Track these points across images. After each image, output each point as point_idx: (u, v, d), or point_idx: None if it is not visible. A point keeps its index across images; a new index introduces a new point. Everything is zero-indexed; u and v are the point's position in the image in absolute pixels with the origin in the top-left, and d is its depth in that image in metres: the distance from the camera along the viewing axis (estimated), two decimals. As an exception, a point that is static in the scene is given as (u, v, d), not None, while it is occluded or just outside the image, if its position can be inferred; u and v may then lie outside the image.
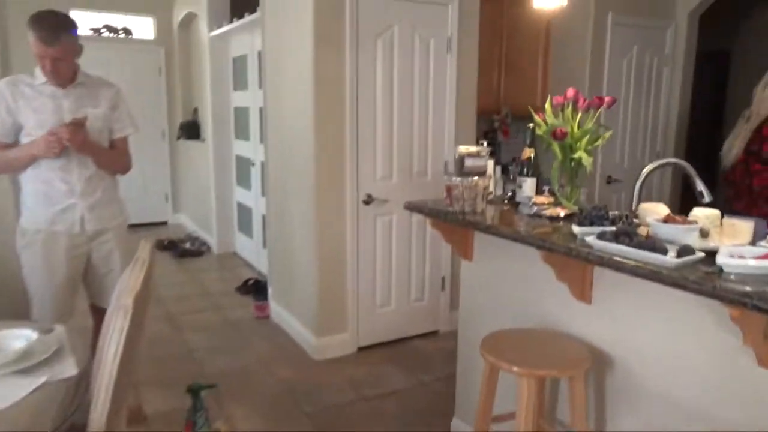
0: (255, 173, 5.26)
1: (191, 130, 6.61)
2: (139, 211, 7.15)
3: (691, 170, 2.01)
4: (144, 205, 7.20)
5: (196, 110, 6.66)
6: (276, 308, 4.14)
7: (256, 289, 4.76)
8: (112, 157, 2.53)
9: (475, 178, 2.08)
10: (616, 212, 1.81)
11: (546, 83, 4.55)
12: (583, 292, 1.86)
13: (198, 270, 5.49)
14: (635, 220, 1.76)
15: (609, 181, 4.51)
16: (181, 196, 7.39)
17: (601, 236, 1.55)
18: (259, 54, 4.63)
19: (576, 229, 1.69)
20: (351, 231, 3.49)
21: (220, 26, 5.42)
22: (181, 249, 6.03)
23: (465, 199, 2.06)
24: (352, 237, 3.50)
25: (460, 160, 2.09)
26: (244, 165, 5.57)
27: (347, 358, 3.56)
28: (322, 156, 3.36)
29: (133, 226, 6.99)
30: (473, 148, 2.10)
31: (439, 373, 3.37)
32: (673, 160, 2.03)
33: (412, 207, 2.33)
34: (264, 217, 4.79)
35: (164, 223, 7.39)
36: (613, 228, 1.63)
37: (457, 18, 3.61)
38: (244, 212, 5.68)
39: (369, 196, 3.51)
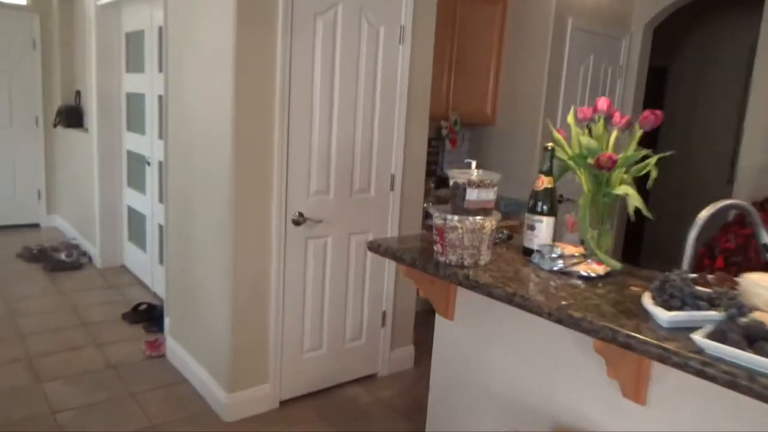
0: (151, 174, 4.36)
1: (72, 116, 5.53)
2: (5, 210, 5.96)
3: (756, 217, 1.52)
4: (12, 202, 6.00)
5: (78, 94, 5.58)
6: (174, 346, 3.32)
7: (149, 316, 3.90)
8: None
9: (479, 218, 1.47)
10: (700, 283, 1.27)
11: (497, 88, 4.07)
12: (637, 390, 1.31)
13: (75, 289, 4.49)
14: (736, 294, 1.22)
15: (560, 200, 4.10)
16: (57, 194, 6.23)
17: (720, 337, 1.00)
18: (160, 30, 3.77)
19: (663, 315, 1.13)
20: (276, 256, 2.78)
21: (111, -7, 4.47)
22: (55, 260, 4.97)
23: (465, 247, 1.45)
24: (278, 264, 2.79)
25: (459, 190, 1.47)
26: (137, 163, 4.64)
27: (267, 417, 2.84)
28: (243, 163, 2.62)
29: (-2, 228, 5.58)
30: (474, 174, 1.50)
31: (381, 435, 2.76)
32: (733, 201, 1.54)
33: (383, 252, 1.68)
34: (161, 228, 3.94)
35: (36, 226, 6.20)
36: (722, 315, 1.08)
37: (413, 3, 3.00)
38: (137, 219, 4.75)
39: (300, 214, 2.81)
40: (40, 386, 3.00)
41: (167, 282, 3.46)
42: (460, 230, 1.45)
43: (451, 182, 1.52)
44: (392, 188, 3.13)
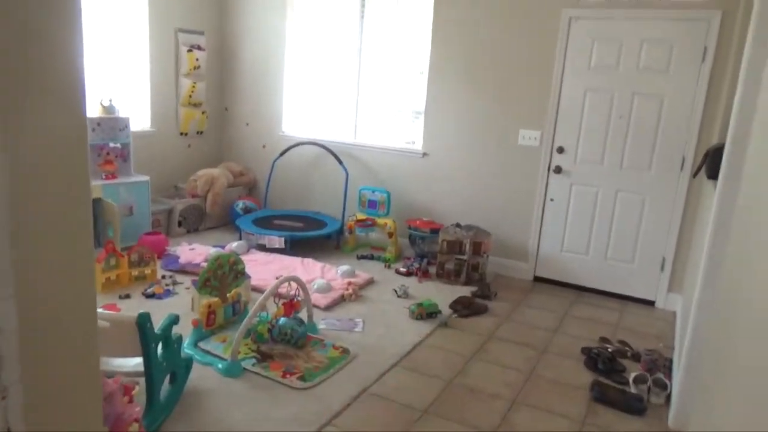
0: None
1: (715, 161, 3.53)
2: (622, 276, 4.57)
3: None
4: (630, 267, 4.56)
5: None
6: None
7: None
8: None
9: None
10: None
11: None
12: None
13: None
14: None
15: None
16: (685, 267, 4.35)
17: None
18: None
19: None
20: None
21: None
22: (617, 387, 3.26)
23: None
24: None
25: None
26: None
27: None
28: None
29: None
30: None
31: None
32: None
33: None
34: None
35: (650, 304, 4.56)
36: None
37: None
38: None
39: None
40: None
41: None
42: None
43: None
44: None
